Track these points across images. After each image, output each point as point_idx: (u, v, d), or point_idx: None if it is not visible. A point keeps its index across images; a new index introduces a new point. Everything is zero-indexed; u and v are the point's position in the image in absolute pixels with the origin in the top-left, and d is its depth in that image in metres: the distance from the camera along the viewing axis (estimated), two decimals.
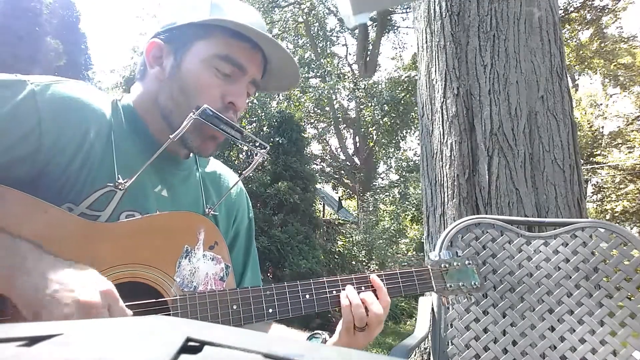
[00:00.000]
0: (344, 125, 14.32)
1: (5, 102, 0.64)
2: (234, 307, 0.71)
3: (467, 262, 0.97)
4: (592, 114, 16.27)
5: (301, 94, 11.57)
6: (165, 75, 0.78)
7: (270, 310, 0.73)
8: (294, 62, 0.82)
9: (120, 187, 0.71)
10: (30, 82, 0.68)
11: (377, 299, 0.81)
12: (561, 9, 12.85)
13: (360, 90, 11.99)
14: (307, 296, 0.77)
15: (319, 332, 0.85)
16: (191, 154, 0.88)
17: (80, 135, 0.70)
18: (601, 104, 16.33)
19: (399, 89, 11.88)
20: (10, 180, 0.64)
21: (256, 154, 0.82)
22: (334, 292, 0.80)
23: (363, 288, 0.82)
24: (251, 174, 5.71)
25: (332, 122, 13.83)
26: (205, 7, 0.76)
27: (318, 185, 8.65)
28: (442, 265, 0.94)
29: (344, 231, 7.64)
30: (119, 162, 0.74)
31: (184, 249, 0.74)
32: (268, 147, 0.82)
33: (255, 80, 0.82)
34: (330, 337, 0.84)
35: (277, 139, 5.59)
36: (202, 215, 0.79)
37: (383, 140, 13.18)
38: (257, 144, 0.82)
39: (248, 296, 0.72)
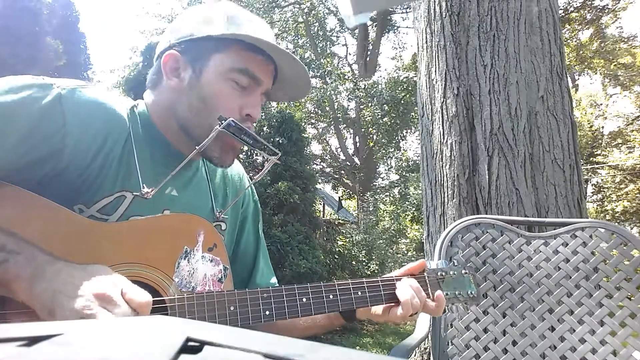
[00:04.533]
0: (344, 125, 14.31)
1: (32, 104, 0.66)
2: (232, 308, 0.72)
3: (463, 272, 0.99)
4: (592, 114, 16.27)
5: None
6: (184, 86, 0.80)
7: (267, 312, 0.74)
8: (306, 73, 0.85)
9: (146, 195, 0.74)
10: (57, 86, 0.70)
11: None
12: (561, 9, 12.83)
13: (360, 90, 11.98)
14: (304, 299, 0.78)
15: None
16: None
17: (101, 140, 0.73)
18: (601, 104, 16.33)
19: (399, 89, 11.88)
20: (28, 180, 0.66)
21: (267, 160, 0.85)
22: (331, 296, 0.81)
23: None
24: (251, 174, 5.71)
25: (332, 122, 13.83)
26: (221, 21, 0.79)
27: (318, 185, 8.64)
28: (439, 274, 0.96)
29: (344, 231, 7.63)
30: (139, 168, 0.76)
31: (183, 250, 0.76)
32: (279, 154, 0.84)
33: (267, 91, 0.85)
34: None
35: (277, 139, 5.57)
36: (202, 218, 0.81)
37: (383, 140, 13.17)
38: (269, 151, 0.84)
39: (245, 297, 0.73)
